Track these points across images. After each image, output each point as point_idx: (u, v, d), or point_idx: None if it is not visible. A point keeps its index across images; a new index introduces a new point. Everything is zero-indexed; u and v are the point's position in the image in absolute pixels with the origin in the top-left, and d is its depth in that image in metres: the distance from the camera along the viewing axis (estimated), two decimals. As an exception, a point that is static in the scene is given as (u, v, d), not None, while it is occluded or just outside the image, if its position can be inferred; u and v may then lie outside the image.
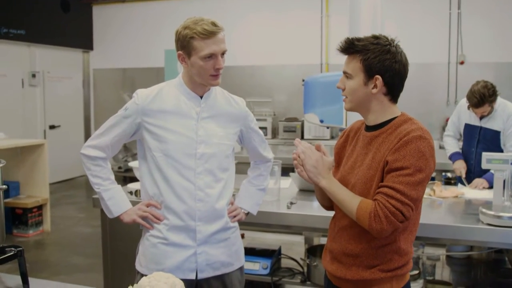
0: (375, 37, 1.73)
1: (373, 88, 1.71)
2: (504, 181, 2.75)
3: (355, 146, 1.85)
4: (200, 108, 1.99)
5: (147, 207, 2.03)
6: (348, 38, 1.75)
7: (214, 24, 1.88)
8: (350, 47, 1.73)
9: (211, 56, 1.88)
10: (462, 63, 7.07)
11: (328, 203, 1.95)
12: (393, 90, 1.74)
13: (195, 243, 2.00)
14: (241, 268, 2.17)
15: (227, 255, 2.08)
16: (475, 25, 6.99)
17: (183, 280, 1.97)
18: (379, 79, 1.70)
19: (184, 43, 1.89)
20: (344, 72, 1.78)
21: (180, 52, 1.93)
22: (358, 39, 1.73)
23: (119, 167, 8.57)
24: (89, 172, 2.06)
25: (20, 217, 5.53)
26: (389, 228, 1.63)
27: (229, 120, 2.07)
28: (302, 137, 7.13)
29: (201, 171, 1.98)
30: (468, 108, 3.66)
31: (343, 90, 1.79)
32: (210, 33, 1.85)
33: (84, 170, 2.08)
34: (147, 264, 2.02)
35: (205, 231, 2.01)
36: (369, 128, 1.80)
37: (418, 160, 1.63)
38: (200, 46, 1.86)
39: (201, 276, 2.02)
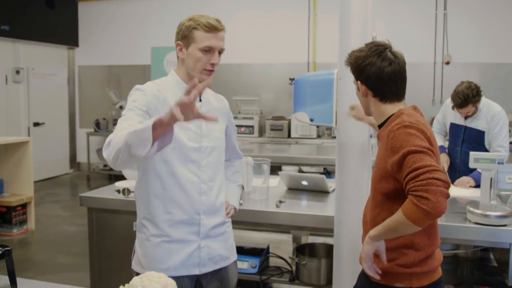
0: (360, 49, 1.88)
1: (360, 92, 1.89)
2: (491, 180, 2.79)
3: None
4: (200, 103, 2.03)
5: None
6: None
7: (218, 21, 1.97)
8: (346, 62, 1.91)
9: (209, 50, 1.94)
10: (447, 63, 7.14)
11: None
12: (378, 91, 1.86)
13: (199, 237, 2.03)
14: (235, 262, 2.23)
15: (225, 248, 2.13)
16: (461, 25, 7.06)
17: (187, 276, 2.01)
18: (358, 83, 1.88)
19: (186, 33, 1.95)
20: None
21: (179, 42, 1.98)
22: (349, 54, 1.90)
23: (105, 165, 8.50)
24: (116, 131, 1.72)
25: (4, 216, 5.45)
26: (436, 197, 1.52)
27: (220, 115, 2.10)
28: (289, 136, 7.12)
29: (205, 164, 2.03)
30: (453, 108, 3.70)
31: None
32: (214, 27, 1.93)
33: (112, 139, 1.69)
34: (150, 265, 1.99)
35: (207, 225, 2.05)
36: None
37: (407, 141, 1.65)
38: (201, 37, 1.92)
39: (203, 270, 2.05)
